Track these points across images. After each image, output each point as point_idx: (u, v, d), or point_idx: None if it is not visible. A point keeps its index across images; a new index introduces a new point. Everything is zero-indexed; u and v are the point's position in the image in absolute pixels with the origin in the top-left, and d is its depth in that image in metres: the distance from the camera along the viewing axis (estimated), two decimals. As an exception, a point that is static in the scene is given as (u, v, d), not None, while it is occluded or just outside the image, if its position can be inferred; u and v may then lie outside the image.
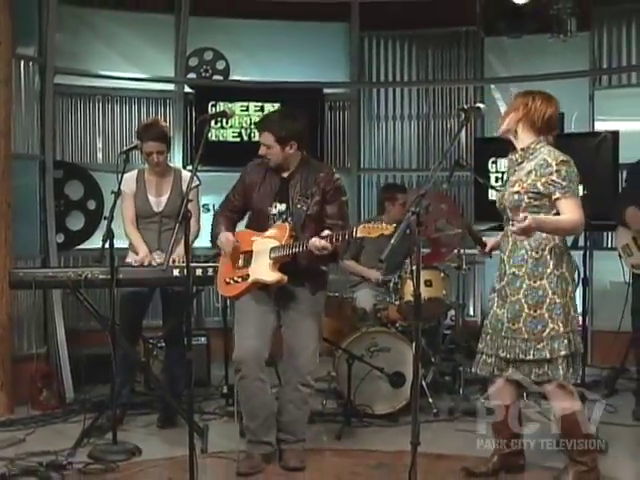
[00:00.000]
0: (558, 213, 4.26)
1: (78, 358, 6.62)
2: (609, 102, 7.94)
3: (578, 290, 6.75)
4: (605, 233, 7.74)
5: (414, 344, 3.77)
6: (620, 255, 6.20)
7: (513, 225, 4.12)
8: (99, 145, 8.09)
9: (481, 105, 4.34)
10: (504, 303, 4.40)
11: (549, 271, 4.29)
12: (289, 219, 4.80)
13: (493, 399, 4.67)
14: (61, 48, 7.33)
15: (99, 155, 8.09)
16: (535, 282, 4.29)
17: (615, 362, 6.85)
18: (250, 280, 4.79)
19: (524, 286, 4.31)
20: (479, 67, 8.56)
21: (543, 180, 4.26)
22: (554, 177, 4.24)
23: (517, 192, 4.32)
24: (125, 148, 5.41)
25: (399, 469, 4.27)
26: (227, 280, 4.93)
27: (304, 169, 4.89)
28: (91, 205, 7.73)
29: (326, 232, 4.58)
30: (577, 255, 6.52)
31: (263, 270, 4.75)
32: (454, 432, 5.45)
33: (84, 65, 7.85)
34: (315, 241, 4.53)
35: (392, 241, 3.67)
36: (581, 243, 5.65)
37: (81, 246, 7.66)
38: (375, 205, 7.95)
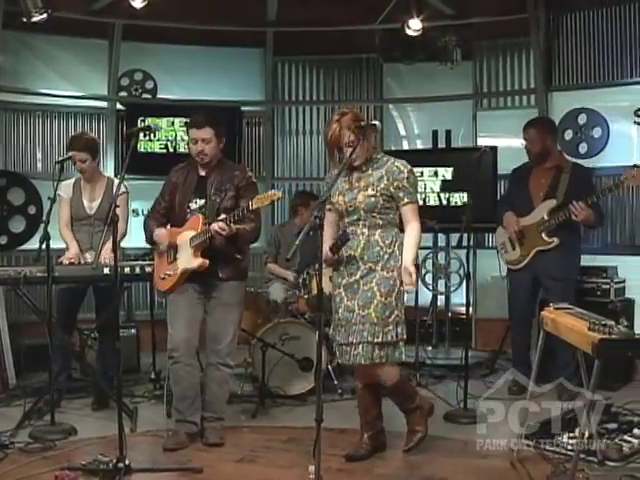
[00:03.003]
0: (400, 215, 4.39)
1: (19, 348, 6.55)
2: (489, 121, 8.10)
3: (463, 283, 6.93)
4: (486, 234, 7.89)
5: (317, 332, 3.78)
6: (498, 251, 6.32)
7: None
8: (39, 156, 7.95)
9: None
10: (354, 295, 4.37)
11: (399, 264, 4.35)
12: (205, 211, 4.78)
13: (359, 382, 4.60)
14: (4, 68, 7.22)
15: (39, 165, 7.96)
16: (388, 273, 4.33)
17: (494, 346, 6.99)
18: (179, 271, 4.77)
19: (377, 276, 4.33)
20: (379, 89, 8.62)
21: (395, 184, 4.34)
22: (405, 183, 4.34)
23: (373, 195, 4.34)
24: (60, 159, 5.32)
25: (306, 443, 4.26)
26: (162, 276, 4.90)
27: (220, 168, 4.88)
28: (31, 210, 7.61)
29: (222, 215, 4.57)
30: (462, 253, 6.68)
31: (187, 259, 4.74)
32: (356, 409, 5.45)
33: (25, 84, 7.75)
34: (214, 225, 4.53)
35: (297, 242, 3.70)
36: (465, 243, 5.71)
37: (22, 247, 7.54)
38: (287, 209, 7.98)
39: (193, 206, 4.84)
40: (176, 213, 4.90)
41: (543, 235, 5.85)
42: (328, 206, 4.49)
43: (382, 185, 4.34)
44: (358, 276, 4.37)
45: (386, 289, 4.31)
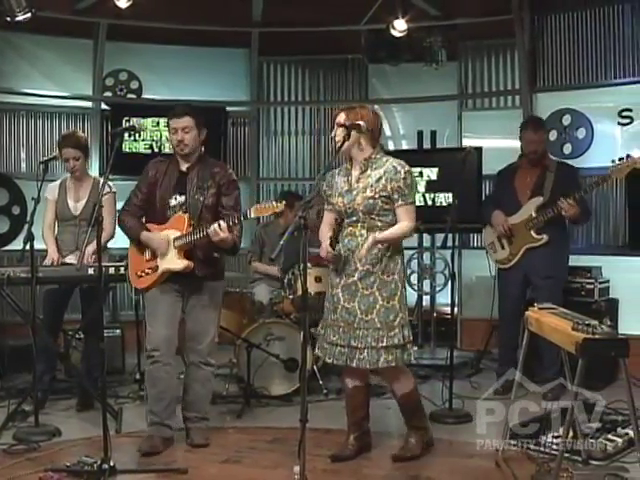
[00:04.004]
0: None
1: (3, 349, 6.52)
2: (474, 122, 8.11)
3: (448, 284, 6.94)
4: (471, 234, 7.90)
5: (302, 333, 3.78)
6: (487, 251, 6.33)
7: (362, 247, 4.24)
8: (23, 156, 7.93)
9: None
10: (353, 297, 4.34)
11: (399, 267, 4.36)
12: (186, 209, 4.71)
13: (348, 383, 4.60)
14: (-12, 68, 7.18)
15: (23, 165, 7.93)
16: (388, 277, 4.31)
17: (479, 346, 7.01)
18: (160, 271, 4.70)
19: (377, 280, 4.31)
20: (364, 89, 8.62)
21: (392, 185, 4.30)
22: (401, 184, 4.30)
23: (372, 197, 4.31)
24: (44, 158, 5.30)
25: (291, 443, 4.24)
26: (139, 273, 4.81)
27: (201, 164, 4.81)
28: (15, 210, 7.59)
29: (222, 222, 4.47)
30: (447, 254, 6.68)
31: (170, 259, 4.66)
32: (341, 409, 5.45)
33: (9, 83, 7.73)
34: (215, 226, 4.44)
35: (281, 242, 3.70)
36: (450, 243, 5.72)
37: (6, 247, 7.50)
38: (273, 210, 7.94)
39: (172, 202, 4.75)
40: (157, 209, 4.79)
41: (532, 232, 5.88)
42: (329, 206, 4.52)
43: (380, 186, 4.31)
44: (356, 277, 4.34)
45: (387, 293, 4.30)
